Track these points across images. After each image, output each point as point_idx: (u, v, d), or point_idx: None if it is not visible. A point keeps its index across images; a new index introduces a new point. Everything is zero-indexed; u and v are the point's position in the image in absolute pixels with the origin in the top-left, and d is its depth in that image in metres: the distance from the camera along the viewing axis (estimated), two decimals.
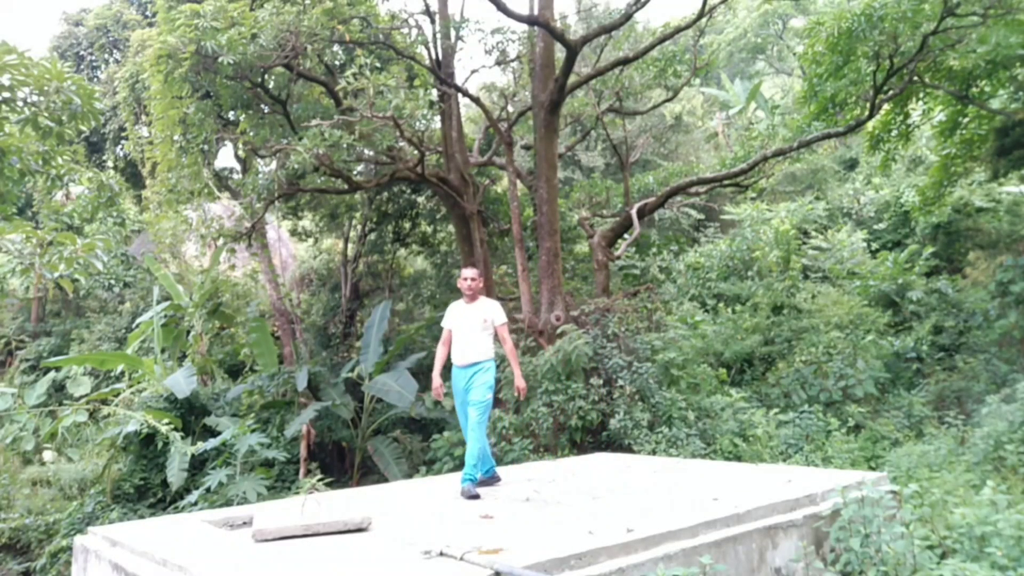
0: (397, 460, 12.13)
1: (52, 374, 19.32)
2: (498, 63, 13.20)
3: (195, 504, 9.77)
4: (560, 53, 12.25)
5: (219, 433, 11.45)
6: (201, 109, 11.86)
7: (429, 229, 17.36)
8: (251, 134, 12.08)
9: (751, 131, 18.83)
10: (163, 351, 15.28)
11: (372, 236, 17.19)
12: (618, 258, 13.18)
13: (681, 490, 5.67)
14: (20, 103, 7.81)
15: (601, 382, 9.64)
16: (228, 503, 9.51)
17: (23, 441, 15.16)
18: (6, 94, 7.63)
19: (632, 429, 9.17)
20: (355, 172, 14.32)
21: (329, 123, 10.02)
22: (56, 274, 8.20)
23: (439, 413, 12.18)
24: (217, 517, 5.40)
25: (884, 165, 15.02)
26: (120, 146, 25.05)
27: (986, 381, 11.13)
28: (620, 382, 9.68)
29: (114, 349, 18.70)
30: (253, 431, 10.93)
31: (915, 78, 11.55)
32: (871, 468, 9.03)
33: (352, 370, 13.50)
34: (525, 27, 12.15)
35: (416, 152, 11.77)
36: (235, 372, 16.32)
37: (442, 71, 12.17)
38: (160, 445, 11.52)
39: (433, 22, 12.22)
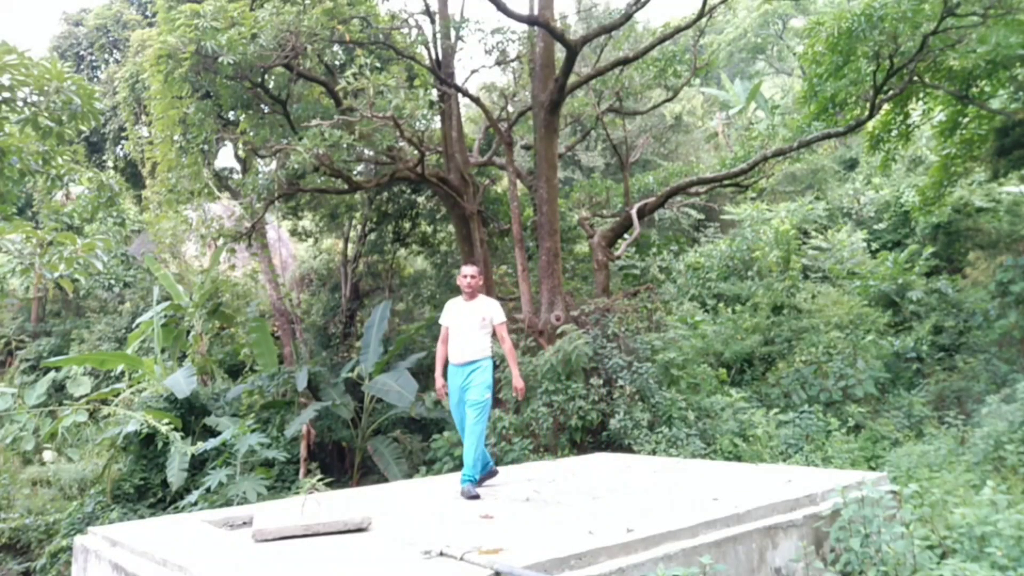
0: (397, 460, 12.13)
1: (52, 374, 19.32)
2: (498, 63, 13.20)
3: (195, 504, 9.77)
4: (560, 53, 12.25)
5: (219, 433, 11.44)
6: (201, 109, 11.86)
7: (429, 229, 17.36)
8: (251, 134, 12.08)
9: (751, 131, 18.83)
10: (163, 351, 15.28)
11: (372, 236, 17.19)
12: (618, 258, 13.18)
13: (681, 490, 5.67)
14: (20, 103, 7.81)
15: (601, 382, 9.64)
16: (228, 503, 9.51)
17: (23, 441, 15.15)
18: (6, 94, 7.63)
19: (632, 429, 9.17)
20: (355, 172, 14.32)
21: (329, 123, 10.02)
22: (56, 274, 8.20)
23: (439, 413, 12.18)
24: (217, 517, 5.40)
25: (884, 165, 15.02)
26: (120, 146, 25.06)
27: (986, 381, 11.13)
28: (620, 382, 9.68)
29: (114, 349, 18.71)
30: (253, 431, 10.93)
31: (915, 78, 11.55)
32: (871, 468, 9.03)
33: (352, 370, 13.50)
34: (525, 27, 12.15)
35: (416, 152, 11.77)
36: (235, 372, 16.32)
37: (442, 71, 12.17)
38: (160, 445, 11.52)
39: (433, 22, 12.22)
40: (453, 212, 13.24)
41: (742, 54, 31.53)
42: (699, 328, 13.19)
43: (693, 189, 13.74)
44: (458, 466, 8.74)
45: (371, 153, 12.97)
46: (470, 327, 6.21)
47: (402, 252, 18.06)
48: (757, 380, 12.71)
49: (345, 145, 10.04)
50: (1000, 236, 14.29)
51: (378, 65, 11.09)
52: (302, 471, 12.30)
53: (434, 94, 11.97)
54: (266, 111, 12.28)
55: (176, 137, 12.43)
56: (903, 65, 11.04)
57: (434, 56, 12.22)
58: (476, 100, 12.61)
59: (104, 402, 13.77)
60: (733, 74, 30.86)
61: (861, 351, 11.80)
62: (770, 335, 13.35)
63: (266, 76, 11.46)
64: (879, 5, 10.03)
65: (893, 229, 17.24)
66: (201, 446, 10.67)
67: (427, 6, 12.23)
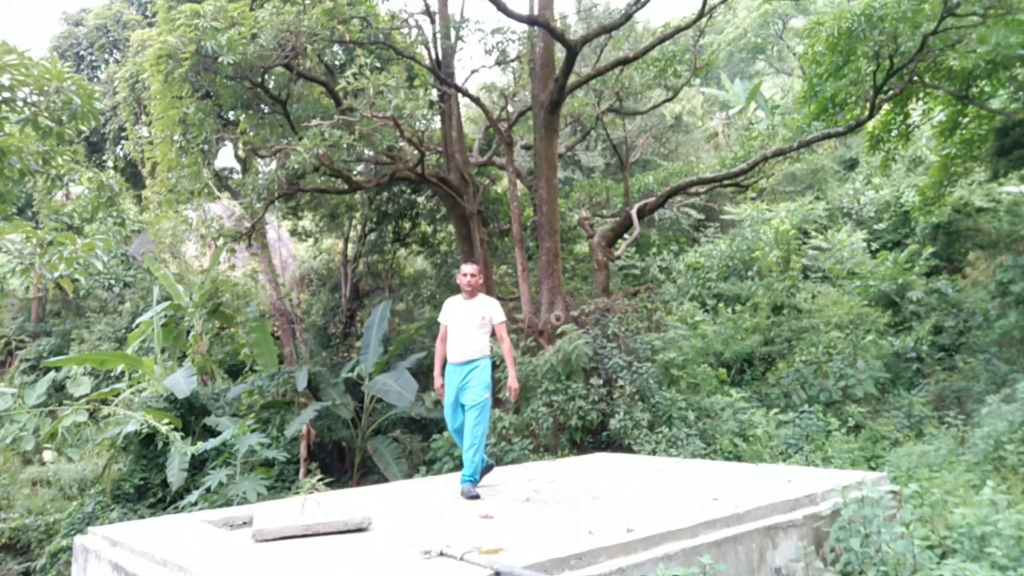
0: (397, 460, 12.13)
1: (52, 374, 19.31)
2: (498, 63, 13.20)
3: (195, 504, 9.77)
4: (560, 53, 12.25)
5: (219, 433, 11.44)
6: (201, 109, 11.86)
7: (429, 229, 17.35)
8: (251, 134, 12.08)
9: (751, 131, 18.84)
10: (163, 351, 15.28)
11: (372, 236, 17.19)
12: (618, 258, 13.18)
13: (681, 490, 5.67)
14: (20, 103, 7.81)
15: (601, 382, 9.64)
16: (228, 503, 9.51)
17: (23, 441, 15.14)
18: (6, 94, 7.63)
19: (632, 429, 9.17)
20: (355, 172, 14.32)
21: (329, 123, 10.02)
22: (56, 274, 8.20)
23: (439, 413, 12.13)
24: (217, 517, 5.40)
25: (884, 165, 15.03)
26: (120, 146, 25.06)
27: (986, 381, 11.13)
28: (620, 382, 9.68)
29: (114, 349, 18.70)
30: (253, 431, 10.93)
31: (915, 78, 11.55)
32: (871, 468, 9.03)
33: (352, 370, 13.49)
34: (525, 27, 12.15)
35: (416, 152, 11.76)
36: (235, 372, 16.32)
37: (442, 71, 12.17)
38: (160, 445, 11.51)
39: (433, 22, 12.22)
40: (453, 212, 13.24)
41: (742, 54, 31.53)
42: (699, 328, 13.19)
43: (693, 189, 13.74)
44: (458, 466, 8.74)
45: (371, 153, 12.97)
46: (469, 326, 6.16)
47: (402, 252, 18.06)
48: (757, 380, 12.71)
49: (345, 145, 10.04)
50: (1000, 236, 14.29)
51: (378, 65, 11.09)
52: (302, 471, 12.30)
53: (434, 94, 11.97)
54: (266, 111, 12.27)
55: (176, 137, 12.42)
56: (903, 65, 11.04)
57: (434, 56, 12.22)
58: (476, 100, 12.61)
59: (104, 402, 13.77)
60: (733, 74, 30.86)
61: (861, 351, 11.80)
62: (770, 335, 13.35)
63: (266, 76, 11.46)
64: (879, 5, 10.03)
65: (893, 229, 17.24)
66: (201, 446, 10.67)
67: (427, 6, 12.23)
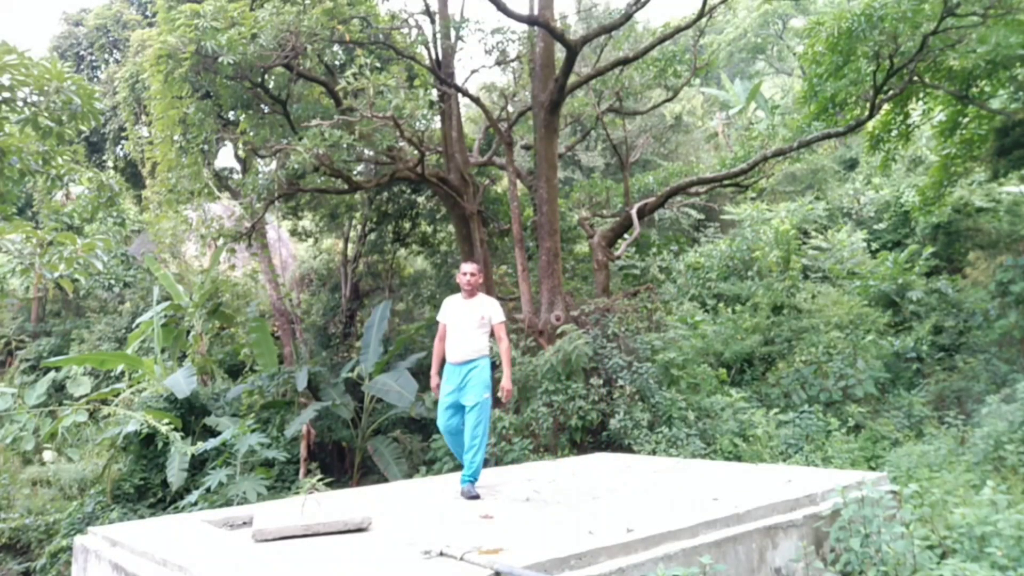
0: (397, 460, 12.13)
1: (52, 374, 19.31)
2: (498, 63, 13.20)
3: (195, 504, 9.77)
4: (560, 53, 12.25)
5: (219, 433, 11.44)
6: (201, 109, 11.86)
7: (429, 229, 17.35)
8: (251, 134, 12.08)
9: (751, 131, 18.83)
10: (163, 351, 15.28)
11: (372, 236, 17.19)
12: (618, 258, 13.18)
13: (681, 490, 5.67)
14: (20, 103, 7.81)
15: (601, 382, 9.64)
16: (228, 503, 9.51)
17: (23, 441, 15.15)
18: (6, 94, 7.63)
19: (632, 429, 9.17)
20: (355, 172, 14.32)
21: (329, 123, 10.02)
22: (56, 274, 8.20)
23: None
24: (217, 517, 5.40)
25: (884, 165, 15.02)
26: (120, 146, 25.06)
27: (986, 381, 11.13)
28: (620, 382, 9.68)
29: (114, 349, 18.70)
30: (253, 431, 10.93)
31: (915, 78, 11.55)
32: (871, 468, 9.03)
33: (352, 370, 13.49)
34: (525, 27, 12.15)
35: (416, 152, 11.76)
36: (235, 372, 16.32)
37: (442, 71, 12.17)
38: (160, 445, 11.51)
39: (433, 22, 12.22)
40: (453, 212, 13.24)
41: (742, 54, 31.53)
42: (699, 328, 13.19)
43: (693, 189, 13.74)
44: (458, 466, 8.73)
45: (371, 153, 12.97)
46: (469, 325, 6.12)
47: (402, 252, 18.06)
48: (757, 380, 12.71)
49: (345, 145, 10.03)
50: (1000, 236, 14.28)
51: (378, 65, 11.08)
52: (302, 471, 12.30)
53: (434, 94, 11.96)
54: (266, 111, 12.27)
55: (176, 137, 12.42)
56: (903, 65, 11.04)
57: (434, 56, 12.21)
58: (476, 100, 12.61)
59: (104, 402, 13.77)
60: (733, 74, 30.86)
61: (861, 351, 11.80)
62: (770, 335, 13.35)
63: (266, 76, 11.46)
64: (879, 5, 10.03)
65: (893, 229, 17.24)
66: (201, 446, 10.67)
67: (427, 6, 12.23)
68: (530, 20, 11.18)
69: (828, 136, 12.08)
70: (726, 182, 13.46)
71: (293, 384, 12.86)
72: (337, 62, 12.86)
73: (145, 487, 11.74)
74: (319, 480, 5.65)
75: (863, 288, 14.22)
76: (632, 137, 18.79)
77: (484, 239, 12.86)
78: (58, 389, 19.19)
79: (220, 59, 9.99)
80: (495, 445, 9.26)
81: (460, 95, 12.70)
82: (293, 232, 17.88)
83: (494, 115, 13.39)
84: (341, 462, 14.03)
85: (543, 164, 11.53)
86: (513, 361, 10.01)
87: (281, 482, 11.94)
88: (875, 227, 17.73)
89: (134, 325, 17.49)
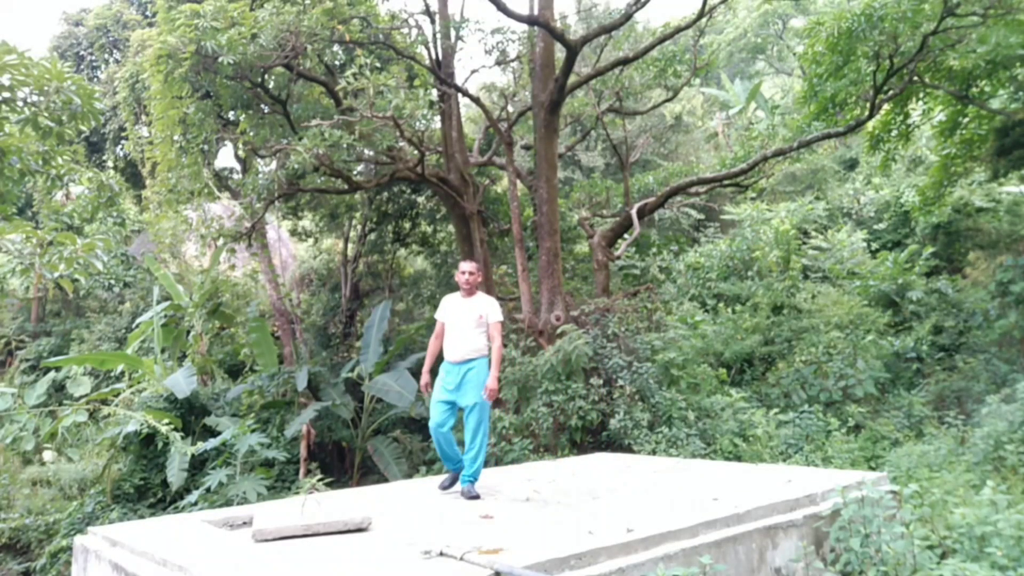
0: (397, 460, 12.13)
1: (52, 374, 19.32)
2: (498, 63, 13.20)
3: (195, 504, 9.77)
4: (560, 53, 12.25)
5: (219, 433, 11.45)
6: (201, 109, 11.86)
7: (429, 229, 17.36)
8: (251, 134, 12.08)
9: (751, 131, 18.83)
10: (163, 351, 15.28)
11: (372, 236, 17.19)
12: (618, 258, 13.18)
13: (681, 490, 5.67)
14: (20, 103, 7.81)
15: (601, 382, 9.64)
16: (228, 503, 9.51)
17: (23, 441, 15.15)
18: (6, 94, 7.63)
19: (632, 429, 9.17)
20: (355, 172, 14.32)
21: (329, 123, 10.02)
22: (56, 274, 8.20)
23: None
24: (217, 517, 5.40)
25: (884, 165, 15.02)
26: (120, 146, 25.06)
27: (986, 381, 11.13)
28: (620, 382, 9.68)
29: (114, 349, 18.70)
30: (253, 431, 10.93)
31: (915, 78, 11.55)
32: (871, 468, 9.03)
33: (352, 370, 13.50)
34: (525, 27, 12.15)
35: (416, 152, 11.77)
36: (235, 372, 16.32)
37: (442, 71, 12.17)
38: (160, 445, 11.51)
39: (433, 22, 12.22)
40: (453, 212, 13.24)
41: (742, 54, 31.52)
42: (699, 328, 13.19)
43: (693, 189, 13.74)
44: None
45: (371, 153, 12.97)
46: (467, 324, 6.05)
47: (402, 252, 18.06)
48: (757, 380, 12.71)
49: (345, 145, 10.03)
50: (1000, 236, 14.28)
51: (378, 65, 11.09)
52: (302, 471, 12.30)
53: (434, 94, 11.96)
54: (266, 111, 12.27)
55: (176, 137, 12.42)
56: (903, 65, 11.04)
57: (434, 56, 12.22)
58: (476, 100, 12.62)
59: (104, 402, 13.77)
60: (733, 74, 30.85)
61: (861, 351, 11.80)
62: (770, 335, 13.35)
63: (266, 76, 11.46)
64: (879, 5, 10.02)
65: (893, 229, 17.23)
66: (201, 446, 10.66)
67: (427, 6, 12.23)
68: (530, 20, 11.18)
69: (828, 136, 12.08)
70: (726, 182, 13.47)
71: (293, 384, 12.86)
72: (337, 62, 12.86)
73: (145, 487, 11.75)
74: (319, 480, 5.65)
75: (863, 288, 14.22)
76: (632, 137, 18.79)
77: (484, 239, 12.86)
78: (58, 389, 19.20)
79: (220, 59, 9.99)
80: (495, 445, 9.26)
81: (460, 95, 12.71)
82: (293, 232, 17.88)
83: (494, 115, 13.39)
84: (341, 462, 14.03)
85: (543, 164, 11.53)
86: (513, 361, 10.01)
87: (281, 482, 11.94)
88: (875, 227, 17.73)
89: (134, 325, 17.49)
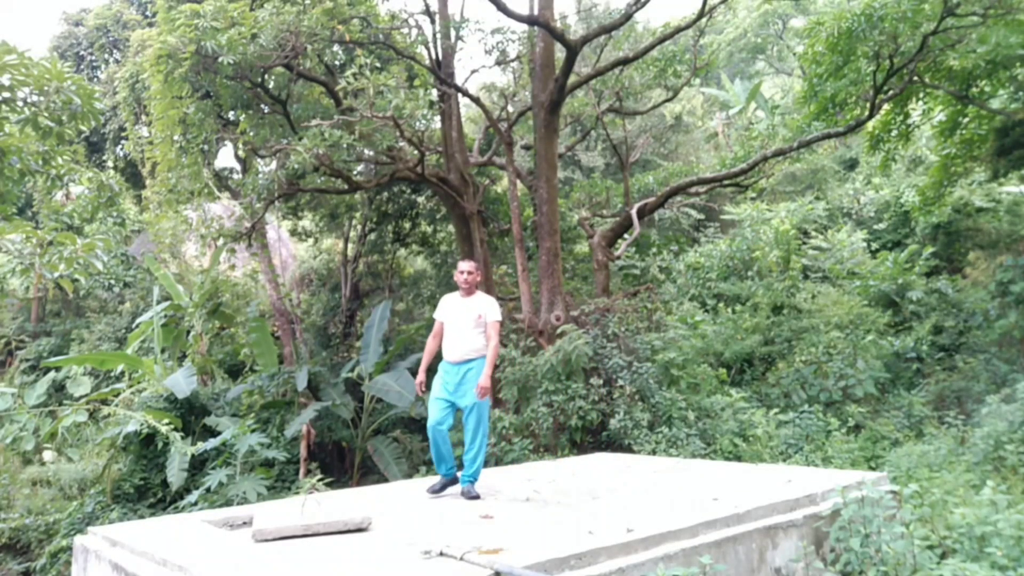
0: (397, 460, 12.13)
1: (52, 374, 19.31)
2: (498, 63, 13.20)
3: (195, 504, 9.76)
4: (560, 53, 12.25)
5: (219, 433, 11.45)
6: (201, 109, 11.86)
7: (429, 229, 17.36)
8: (251, 134, 12.08)
9: (751, 131, 18.84)
10: (163, 351, 15.28)
11: (372, 236, 17.19)
12: (618, 258, 13.18)
13: (681, 490, 5.67)
14: (20, 103, 7.81)
15: (601, 382, 9.64)
16: (228, 503, 9.51)
17: (23, 441, 15.15)
18: (6, 94, 7.63)
19: (632, 429, 9.17)
20: (355, 172, 14.32)
21: (329, 123, 10.02)
22: (56, 274, 8.20)
23: None
24: (217, 517, 5.40)
25: (884, 165, 15.02)
26: (120, 146, 25.06)
27: (986, 381, 11.13)
28: (620, 382, 9.68)
29: (114, 349, 18.70)
30: (253, 431, 10.93)
31: (915, 78, 11.55)
32: (871, 468, 9.03)
33: (352, 370, 13.50)
34: (525, 27, 12.15)
35: (416, 152, 11.77)
36: (235, 372, 16.32)
37: (442, 71, 12.17)
38: (160, 445, 11.51)
39: (433, 22, 12.22)
40: (453, 212, 13.24)
41: (742, 54, 31.52)
42: (699, 328, 13.19)
43: (693, 189, 13.74)
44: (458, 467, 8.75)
45: (371, 153, 12.97)
46: (465, 324, 6.02)
47: (402, 252, 18.06)
48: (757, 380, 12.71)
49: (345, 145, 10.03)
50: (1000, 236, 14.28)
51: (378, 65, 11.08)
52: (302, 471, 12.30)
53: (434, 94, 11.97)
54: (266, 111, 12.27)
55: (176, 137, 12.42)
56: (903, 65, 11.04)
57: (434, 56, 12.22)
58: (476, 100, 12.62)
59: (104, 402, 13.77)
60: (733, 74, 30.85)
61: (861, 351, 11.80)
62: (770, 335, 13.35)
63: (266, 76, 11.46)
64: (879, 5, 10.02)
65: (893, 229, 17.23)
66: (201, 446, 10.66)
67: (427, 6, 12.23)
68: (530, 20, 11.18)
69: (828, 136, 12.08)
70: (726, 182, 13.47)
71: (293, 384, 12.86)
72: (337, 62, 12.86)
73: (145, 487, 11.74)
74: (319, 480, 5.65)
75: (863, 288, 14.22)
76: (632, 137, 18.79)
77: (484, 239, 12.86)
78: (58, 389, 19.19)
79: (220, 59, 9.99)
80: (495, 445, 9.26)
81: (460, 95, 12.71)
82: (293, 232, 17.88)
83: (494, 115, 13.39)
84: (341, 462, 14.03)
85: (543, 164, 11.53)
86: (513, 361, 10.01)
87: (281, 482, 11.94)
88: (875, 227, 17.73)
89: (134, 325, 17.49)
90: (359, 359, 13.60)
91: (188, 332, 15.76)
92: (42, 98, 7.73)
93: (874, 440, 10.15)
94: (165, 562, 4.11)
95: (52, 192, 11.64)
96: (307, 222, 17.74)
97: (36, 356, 20.46)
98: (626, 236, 13.39)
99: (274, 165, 12.18)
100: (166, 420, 10.32)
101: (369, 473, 12.92)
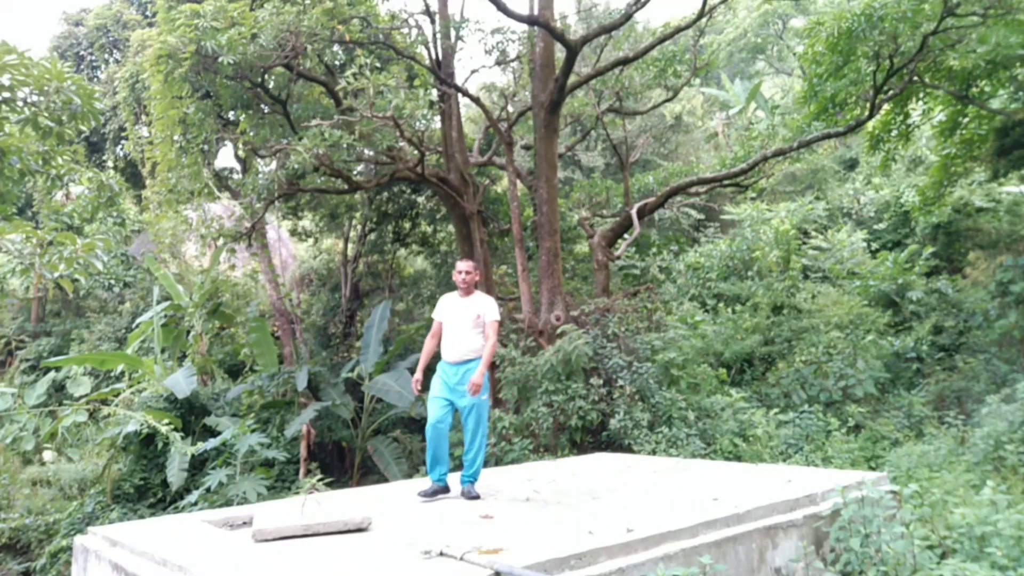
0: (397, 460, 12.13)
1: (52, 374, 19.32)
2: (498, 63, 13.20)
3: (195, 504, 9.77)
4: (560, 53, 12.25)
5: (219, 433, 11.45)
6: (201, 109, 11.86)
7: (429, 229, 17.36)
8: (251, 134, 12.08)
9: (751, 131, 18.83)
10: (163, 351, 15.28)
11: (372, 236, 17.19)
12: (618, 258, 13.18)
13: (681, 490, 5.67)
14: (20, 103, 7.81)
15: (601, 382, 9.64)
16: (228, 503, 9.51)
17: (23, 441, 15.15)
18: (6, 94, 7.63)
19: (632, 429, 9.17)
20: (355, 172, 14.33)
21: (329, 123, 10.02)
22: (56, 274, 8.20)
23: None
24: (217, 517, 5.40)
25: (884, 165, 15.02)
26: (120, 146, 25.06)
27: (986, 381, 11.13)
28: (620, 382, 9.68)
29: (114, 349, 18.70)
30: (253, 431, 10.93)
31: (915, 78, 11.55)
32: (871, 468, 9.03)
33: (352, 370, 13.50)
34: (525, 27, 12.15)
35: (416, 152, 11.77)
36: (235, 372, 16.33)
37: (442, 71, 12.17)
38: (160, 445, 11.51)
39: (433, 22, 12.22)
40: (453, 212, 13.25)
41: (742, 54, 31.51)
42: (699, 328, 13.19)
43: (693, 189, 13.74)
44: (458, 466, 8.76)
45: (371, 153, 12.98)
46: (464, 324, 5.99)
47: (402, 252, 18.06)
48: (757, 380, 12.71)
49: (345, 145, 10.03)
50: (1000, 236, 14.28)
51: (378, 65, 11.08)
52: (302, 471, 12.30)
53: (434, 94, 11.97)
54: (266, 111, 12.28)
55: (176, 137, 12.42)
56: (903, 65, 11.04)
57: (434, 56, 12.22)
58: (476, 100, 12.62)
59: (104, 402, 13.77)
60: (733, 74, 30.85)
61: (861, 351, 11.80)
62: (770, 335, 13.35)
63: (266, 76, 11.46)
64: (879, 5, 10.02)
65: (893, 229, 17.23)
66: (201, 446, 10.67)
67: (427, 6, 12.23)
68: (530, 20, 11.19)
69: (828, 136, 12.08)
70: (726, 182, 13.47)
71: (293, 384, 12.86)
72: (337, 62, 12.87)
73: (145, 487, 11.75)
74: (319, 480, 5.65)
75: (863, 288, 14.22)
76: (632, 137, 18.79)
77: (484, 239, 12.86)
78: (58, 389, 19.19)
79: (220, 59, 9.99)
80: (495, 445, 9.26)
81: (460, 95, 12.71)
82: (293, 232, 17.88)
83: (494, 115, 13.39)
84: (341, 462, 14.03)
85: (543, 164, 11.53)
86: (513, 361, 10.01)
87: (281, 482, 11.94)
88: (875, 227, 17.73)
89: (134, 325, 17.49)
90: (359, 359, 13.60)
91: (188, 332, 15.77)
92: (42, 98, 7.73)
93: (874, 440, 10.15)
94: (165, 562, 4.11)
95: (52, 192, 11.64)
96: (307, 222, 17.74)
97: (36, 356, 20.46)
98: (626, 236, 13.40)
99: (274, 165, 12.18)
100: (166, 420, 10.32)
101: (369, 473, 12.92)
